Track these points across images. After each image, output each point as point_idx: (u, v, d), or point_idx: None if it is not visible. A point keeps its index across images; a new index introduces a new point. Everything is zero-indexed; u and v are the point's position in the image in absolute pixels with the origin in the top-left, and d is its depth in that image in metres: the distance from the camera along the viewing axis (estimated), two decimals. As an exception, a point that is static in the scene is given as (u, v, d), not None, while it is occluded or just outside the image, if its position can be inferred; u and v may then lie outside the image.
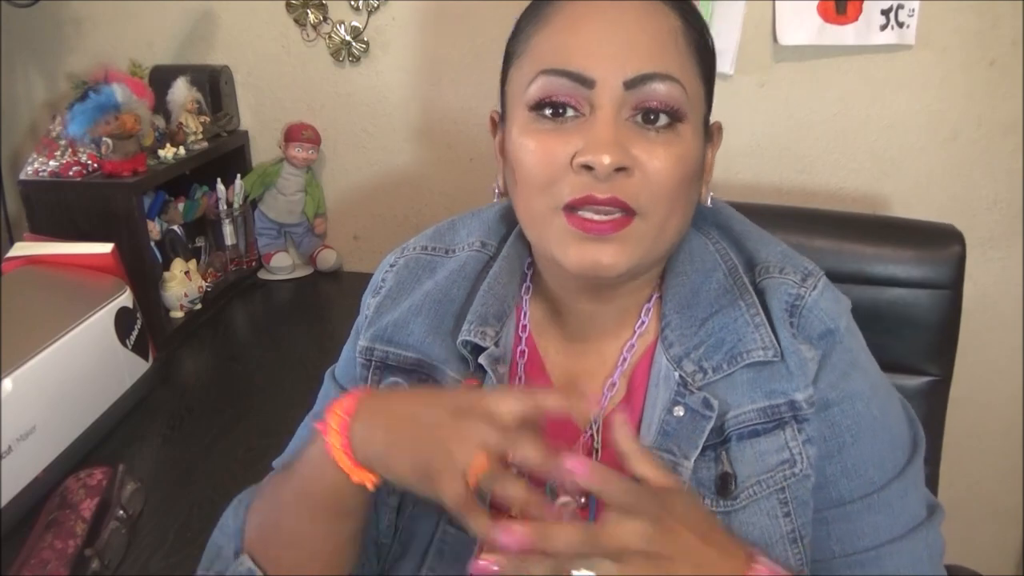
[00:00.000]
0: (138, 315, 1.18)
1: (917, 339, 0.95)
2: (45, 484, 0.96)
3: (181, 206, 1.43)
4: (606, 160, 0.59)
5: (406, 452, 0.56)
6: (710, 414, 0.65)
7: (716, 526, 0.57)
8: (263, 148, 1.59)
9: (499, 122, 0.71)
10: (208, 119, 1.48)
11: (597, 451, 0.69)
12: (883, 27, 1.28)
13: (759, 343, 0.66)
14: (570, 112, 0.62)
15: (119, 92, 1.24)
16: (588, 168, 0.60)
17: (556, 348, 0.74)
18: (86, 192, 1.28)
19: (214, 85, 1.50)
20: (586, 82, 0.61)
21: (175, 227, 1.44)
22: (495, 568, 0.52)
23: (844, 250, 0.95)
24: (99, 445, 1.07)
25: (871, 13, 1.28)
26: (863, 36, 1.29)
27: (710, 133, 0.68)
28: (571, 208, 0.61)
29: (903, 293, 0.95)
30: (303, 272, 1.62)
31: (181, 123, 1.42)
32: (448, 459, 0.54)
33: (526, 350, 0.73)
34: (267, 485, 0.71)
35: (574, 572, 0.51)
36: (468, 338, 0.70)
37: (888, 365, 0.74)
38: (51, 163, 1.30)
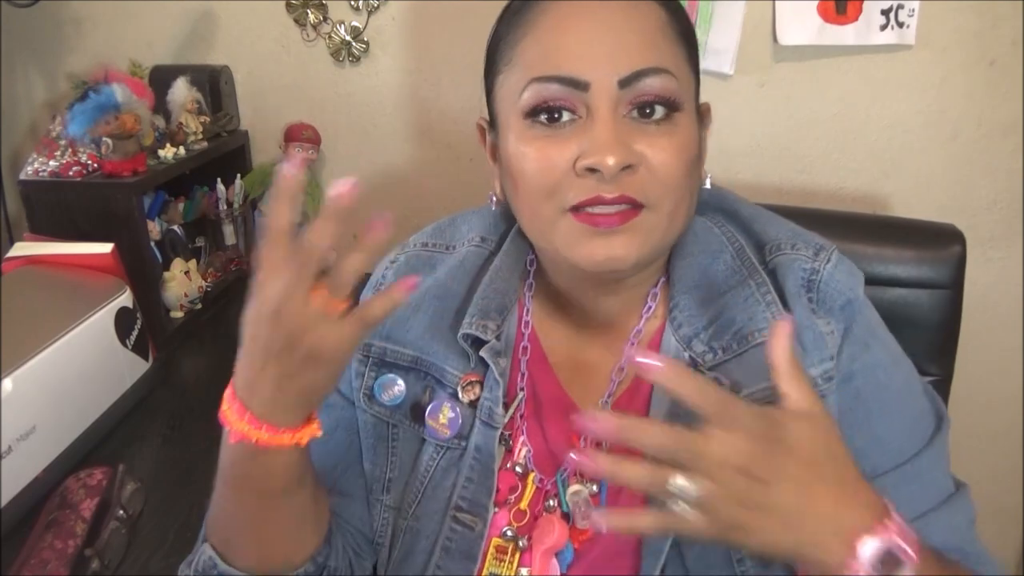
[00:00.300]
0: (138, 315, 1.18)
1: (917, 339, 0.95)
2: (45, 484, 0.95)
3: (181, 206, 1.43)
4: (611, 161, 0.58)
5: (271, 357, 0.56)
6: None
7: (847, 467, 0.54)
8: (263, 148, 1.59)
9: (488, 129, 0.71)
10: (208, 119, 1.47)
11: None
12: (883, 27, 1.28)
13: (770, 322, 0.65)
14: (566, 116, 0.62)
15: (119, 92, 1.24)
16: (593, 171, 0.59)
17: (560, 342, 0.73)
18: (86, 192, 1.28)
19: (214, 85, 1.50)
20: (580, 85, 0.60)
21: (175, 227, 1.43)
22: (589, 461, 0.51)
23: (844, 250, 0.94)
24: (99, 445, 1.07)
25: (871, 13, 1.28)
26: (863, 36, 1.29)
27: (701, 116, 0.69)
28: (577, 209, 0.61)
29: (904, 293, 0.95)
30: (303, 272, 1.61)
31: (181, 123, 1.42)
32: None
33: (529, 346, 0.73)
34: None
35: (670, 482, 0.50)
36: (469, 331, 0.70)
37: (889, 365, 0.73)
38: (51, 163, 1.30)
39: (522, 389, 0.72)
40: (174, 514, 0.96)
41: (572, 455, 0.52)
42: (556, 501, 0.69)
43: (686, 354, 0.67)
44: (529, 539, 0.68)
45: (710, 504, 0.50)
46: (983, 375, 1.41)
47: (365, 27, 1.48)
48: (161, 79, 1.45)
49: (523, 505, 0.69)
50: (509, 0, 0.68)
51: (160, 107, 1.41)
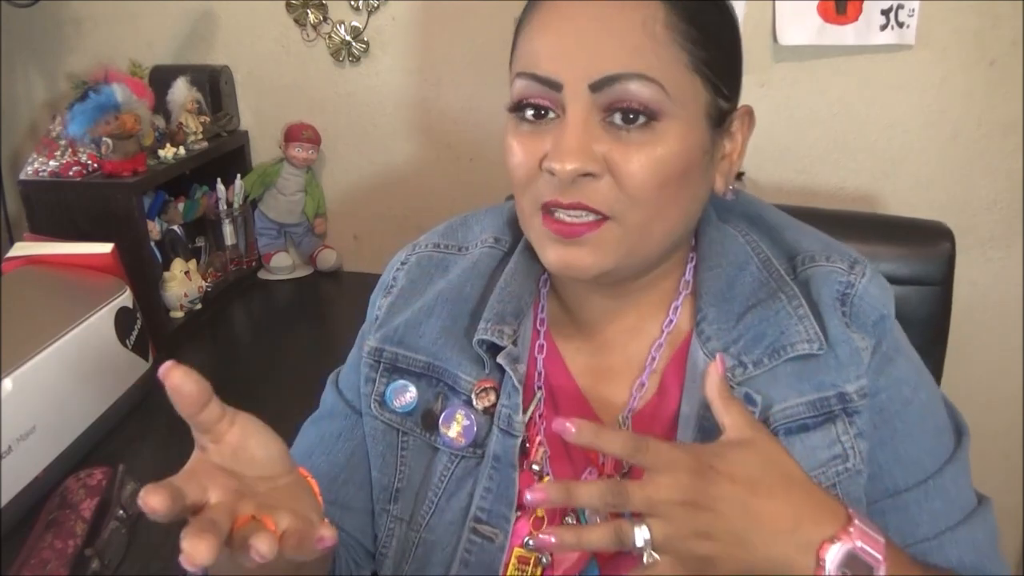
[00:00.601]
0: (138, 315, 1.18)
1: (908, 336, 0.95)
2: (45, 484, 0.95)
3: (181, 206, 1.43)
4: (567, 167, 0.58)
5: None
6: (753, 409, 0.63)
7: (800, 482, 0.55)
8: (263, 148, 1.59)
9: None
10: (208, 119, 1.48)
11: None
12: (883, 27, 1.28)
13: (804, 336, 0.64)
14: (551, 114, 0.61)
15: (119, 92, 1.24)
16: (552, 173, 0.59)
17: (576, 345, 0.72)
18: (86, 192, 1.28)
19: (214, 85, 1.50)
20: (554, 85, 0.60)
21: (175, 227, 1.44)
22: (552, 540, 0.52)
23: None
24: (99, 445, 1.07)
25: (871, 13, 1.28)
26: (863, 36, 1.29)
27: (729, 120, 0.65)
28: (546, 208, 0.61)
29: (894, 290, 0.95)
30: (303, 272, 1.62)
31: (181, 123, 1.42)
32: None
33: (544, 344, 0.72)
34: None
35: (636, 531, 0.52)
36: (485, 337, 0.69)
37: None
38: (51, 163, 1.30)
39: (539, 388, 0.70)
40: (174, 514, 0.96)
41: (527, 496, 0.52)
42: (575, 517, 0.67)
43: (723, 356, 0.64)
44: (551, 557, 0.67)
45: (670, 544, 0.52)
46: (983, 375, 1.41)
47: (365, 27, 1.48)
48: (161, 79, 1.45)
49: (540, 512, 0.68)
50: None
51: (160, 107, 1.41)
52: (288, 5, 1.48)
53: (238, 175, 1.52)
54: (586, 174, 0.58)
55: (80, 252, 1.19)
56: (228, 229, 1.53)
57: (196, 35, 1.54)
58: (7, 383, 0.91)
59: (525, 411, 0.68)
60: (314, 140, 1.52)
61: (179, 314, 1.39)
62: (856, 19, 1.29)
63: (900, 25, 1.28)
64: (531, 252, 0.72)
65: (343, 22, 1.48)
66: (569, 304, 0.71)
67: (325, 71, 1.52)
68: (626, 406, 0.68)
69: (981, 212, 1.37)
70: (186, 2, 1.52)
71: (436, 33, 1.46)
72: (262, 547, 0.42)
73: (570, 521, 0.67)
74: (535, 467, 0.68)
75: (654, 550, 0.52)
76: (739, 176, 0.70)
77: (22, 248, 1.21)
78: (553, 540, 0.52)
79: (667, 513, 0.51)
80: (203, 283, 1.45)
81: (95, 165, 1.30)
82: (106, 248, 1.20)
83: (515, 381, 0.68)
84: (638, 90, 0.58)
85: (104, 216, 1.27)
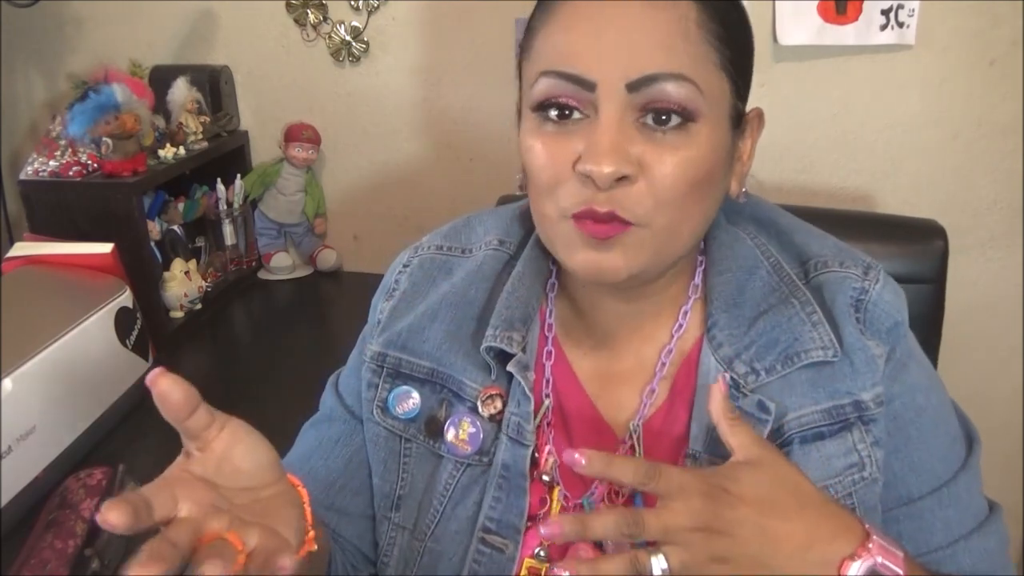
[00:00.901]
0: (138, 315, 1.18)
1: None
2: (45, 484, 0.95)
3: (181, 206, 1.43)
4: (606, 170, 0.56)
5: None
6: (766, 417, 0.62)
7: (815, 500, 0.54)
8: (263, 148, 1.59)
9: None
10: (208, 119, 1.48)
11: None
12: (883, 27, 1.28)
13: (818, 342, 0.63)
14: (576, 114, 0.59)
15: (119, 92, 1.24)
16: (588, 176, 0.57)
17: (584, 351, 0.70)
18: (86, 192, 1.28)
19: (214, 85, 1.50)
20: (587, 85, 0.57)
21: (175, 227, 1.44)
22: (567, 575, 0.52)
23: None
24: (99, 445, 1.07)
25: (871, 13, 1.28)
26: (863, 36, 1.29)
27: (744, 122, 0.64)
28: (578, 217, 0.59)
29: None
30: (303, 272, 1.62)
31: (181, 123, 1.42)
32: None
33: (552, 351, 0.70)
34: None
35: (652, 560, 0.51)
36: (494, 344, 0.67)
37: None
38: (51, 163, 1.30)
39: (548, 396, 0.69)
40: (174, 514, 0.96)
41: (542, 530, 0.52)
42: None
43: (727, 375, 0.64)
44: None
45: (688, 571, 0.51)
46: (983, 375, 1.41)
47: (365, 27, 1.48)
48: (161, 79, 1.45)
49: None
50: None
51: (160, 107, 1.41)
52: (288, 5, 1.48)
53: (238, 175, 1.52)
54: (622, 177, 0.57)
55: (80, 252, 1.19)
56: (228, 229, 1.53)
57: (196, 35, 1.54)
58: (7, 383, 0.91)
59: (534, 418, 0.67)
60: (314, 140, 1.52)
61: (179, 314, 1.39)
62: (856, 19, 1.29)
63: (900, 25, 1.28)
64: (538, 255, 0.71)
65: (343, 22, 1.48)
66: (582, 309, 0.70)
67: (325, 71, 1.52)
68: (636, 413, 0.67)
69: (981, 212, 1.37)
70: (186, 2, 1.52)
71: (436, 33, 1.46)
72: (209, 572, 0.41)
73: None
74: (545, 477, 0.67)
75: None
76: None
77: (22, 248, 1.21)
78: (567, 575, 0.52)
79: (683, 540, 0.51)
80: (203, 283, 1.45)
81: (95, 165, 1.30)
82: (106, 248, 1.20)
83: (525, 389, 0.66)
84: (675, 90, 0.57)
85: (104, 216, 1.27)
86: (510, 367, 0.67)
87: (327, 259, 1.59)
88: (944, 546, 0.64)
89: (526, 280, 0.70)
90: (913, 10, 1.27)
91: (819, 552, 0.53)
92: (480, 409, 0.68)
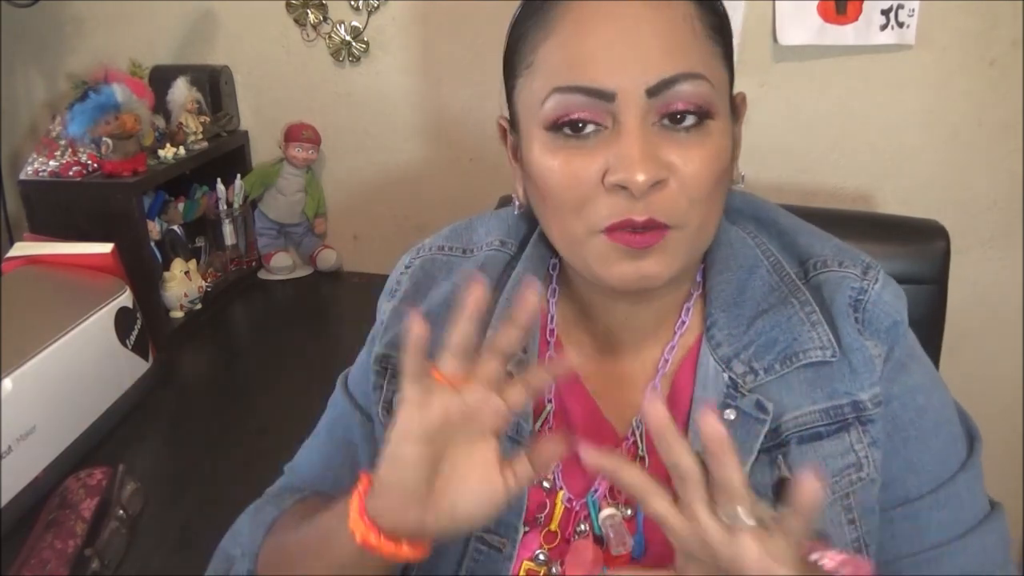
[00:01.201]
0: (138, 315, 1.18)
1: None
2: (45, 484, 0.96)
3: (181, 206, 1.43)
4: (640, 178, 0.55)
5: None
6: (764, 417, 0.62)
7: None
8: (263, 148, 1.59)
9: (509, 130, 0.67)
10: (208, 119, 1.48)
11: (643, 459, 0.66)
12: (883, 27, 1.28)
13: (817, 343, 0.63)
14: (590, 127, 0.58)
15: (119, 92, 1.24)
16: (622, 187, 0.56)
17: (588, 354, 0.70)
18: (86, 192, 1.28)
19: (214, 85, 1.50)
20: (605, 96, 0.56)
21: (175, 227, 1.44)
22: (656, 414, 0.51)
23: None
24: (99, 445, 1.07)
25: (871, 13, 1.28)
26: (863, 36, 1.29)
27: (736, 107, 0.65)
28: (615, 228, 0.58)
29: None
30: (303, 272, 1.62)
31: (181, 123, 1.42)
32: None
33: (554, 355, 0.70)
34: (288, 527, 0.68)
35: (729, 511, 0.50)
36: None
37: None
38: (51, 163, 1.30)
39: (549, 400, 0.69)
40: (174, 514, 0.96)
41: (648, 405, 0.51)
42: (588, 525, 0.66)
43: (726, 375, 0.64)
44: (562, 564, 0.65)
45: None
46: (983, 375, 1.41)
47: (365, 27, 1.48)
48: (161, 79, 1.45)
49: (553, 526, 0.67)
50: None
51: (160, 107, 1.41)
52: (288, 5, 1.48)
53: (238, 175, 1.52)
54: (656, 183, 0.56)
55: (80, 252, 1.19)
56: (228, 229, 1.53)
57: (196, 35, 1.54)
58: (7, 383, 0.91)
59: (534, 422, 0.67)
60: (314, 140, 1.52)
61: (179, 314, 1.39)
62: (856, 19, 1.29)
63: (900, 25, 1.28)
64: (538, 256, 0.72)
65: (343, 22, 1.48)
66: (587, 312, 0.70)
67: (325, 71, 1.52)
68: (639, 410, 0.67)
69: (981, 212, 1.37)
70: (186, 2, 1.52)
71: (436, 33, 1.46)
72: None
73: (582, 528, 0.66)
74: (545, 484, 0.67)
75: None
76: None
77: (22, 248, 1.21)
78: None
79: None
80: (203, 283, 1.45)
81: (95, 165, 1.30)
82: (106, 248, 1.20)
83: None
84: (693, 90, 0.57)
85: (104, 216, 1.27)
86: (508, 367, 0.66)
87: (327, 259, 1.59)
88: (938, 545, 0.64)
89: (526, 280, 0.70)
90: (913, 10, 1.27)
91: None
92: None
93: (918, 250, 0.98)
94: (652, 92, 0.56)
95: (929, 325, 0.97)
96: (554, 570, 0.66)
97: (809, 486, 0.48)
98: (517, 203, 0.69)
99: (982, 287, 1.38)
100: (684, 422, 0.66)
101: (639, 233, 0.58)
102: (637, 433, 0.67)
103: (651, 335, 0.69)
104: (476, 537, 0.66)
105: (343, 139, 1.56)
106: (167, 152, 1.36)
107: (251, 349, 1.43)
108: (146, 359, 1.19)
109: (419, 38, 1.47)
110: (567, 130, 0.58)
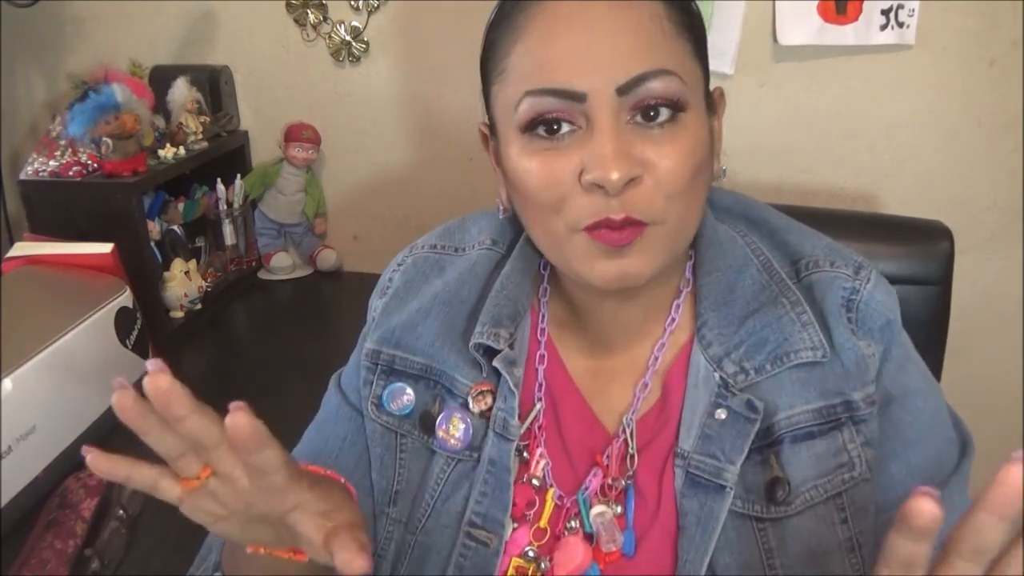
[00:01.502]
0: (138, 315, 1.18)
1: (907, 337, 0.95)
2: (45, 484, 0.96)
3: (181, 206, 1.43)
4: (614, 176, 0.56)
5: None
6: (755, 416, 0.62)
7: None
8: (263, 148, 1.59)
9: (490, 135, 0.68)
10: (208, 119, 1.48)
11: (632, 456, 0.66)
12: (883, 27, 1.28)
13: (807, 343, 0.64)
14: (565, 127, 0.58)
15: (119, 92, 1.24)
16: (598, 185, 0.57)
17: (579, 350, 0.71)
18: (86, 192, 1.28)
19: (214, 85, 1.50)
20: (576, 97, 0.57)
21: (175, 227, 1.44)
22: None
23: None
24: (99, 445, 1.07)
25: (871, 13, 1.28)
26: (863, 36, 1.29)
27: (713, 103, 0.65)
28: (593, 228, 0.59)
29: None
30: (303, 272, 1.62)
31: (181, 123, 1.42)
32: None
33: (545, 354, 0.71)
34: None
35: None
36: (480, 341, 0.68)
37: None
38: (51, 163, 1.30)
39: (539, 399, 0.69)
40: (174, 514, 0.96)
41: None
42: (578, 521, 0.66)
43: (717, 375, 0.64)
44: (551, 560, 0.66)
45: None
46: (983, 375, 1.41)
47: (365, 27, 1.48)
48: (161, 79, 1.45)
49: (543, 523, 0.67)
50: (498, 3, 0.64)
51: (160, 107, 1.41)
52: (288, 5, 1.48)
53: (238, 175, 1.52)
54: (630, 180, 0.57)
55: (80, 252, 1.19)
56: (228, 229, 1.53)
57: (196, 35, 1.54)
58: (7, 383, 0.91)
59: (523, 420, 0.68)
60: (314, 140, 1.52)
61: (179, 314, 1.39)
62: (856, 19, 1.29)
63: (900, 25, 1.28)
64: (528, 255, 0.72)
65: (343, 22, 1.48)
66: (578, 310, 0.70)
67: (325, 71, 1.52)
68: (630, 407, 0.68)
69: (981, 212, 1.37)
70: (186, 2, 1.52)
71: (436, 33, 1.46)
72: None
73: (573, 525, 0.66)
74: (535, 482, 0.67)
75: None
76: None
77: (22, 248, 1.21)
78: None
79: None
80: (203, 283, 1.45)
81: (95, 165, 1.30)
82: (106, 248, 1.20)
83: (511, 384, 0.67)
84: (664, 86, 0.57)
85: (104, 216, 1.27)
86: (496, 363, 0.67)
87: (327, 259, 1.60)
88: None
89: (515, 278, 0.71)
90: (913, 10, 1.27)
91: None
92: (471, 405, 0.69)
93: (922, 251, 0.98)
94: (622, 91, 0.57)
95: (934, 327, 0.98)
96: (543, 566, 0.66)
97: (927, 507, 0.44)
98: (501, 208, 0.70)
99: (982, 287, 1.38)
100: (676, 421, 0.66)
101: (617, 230, 0.58)
102: (628, 431, 0.67)
103: (641, 333, 0.69)
104: (464, 532, 0.67)
105: (343, 139, 1.56)
106: (167, 152, 1.36)
107: (251, 349, 1.43)
108: (146, 359, 1.18)
109: (419, 38, 1.47)
110: (542, 130, 0.59)
